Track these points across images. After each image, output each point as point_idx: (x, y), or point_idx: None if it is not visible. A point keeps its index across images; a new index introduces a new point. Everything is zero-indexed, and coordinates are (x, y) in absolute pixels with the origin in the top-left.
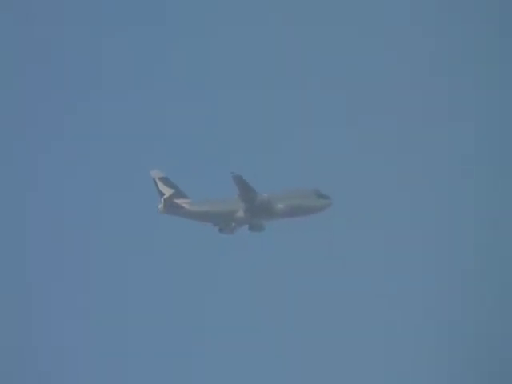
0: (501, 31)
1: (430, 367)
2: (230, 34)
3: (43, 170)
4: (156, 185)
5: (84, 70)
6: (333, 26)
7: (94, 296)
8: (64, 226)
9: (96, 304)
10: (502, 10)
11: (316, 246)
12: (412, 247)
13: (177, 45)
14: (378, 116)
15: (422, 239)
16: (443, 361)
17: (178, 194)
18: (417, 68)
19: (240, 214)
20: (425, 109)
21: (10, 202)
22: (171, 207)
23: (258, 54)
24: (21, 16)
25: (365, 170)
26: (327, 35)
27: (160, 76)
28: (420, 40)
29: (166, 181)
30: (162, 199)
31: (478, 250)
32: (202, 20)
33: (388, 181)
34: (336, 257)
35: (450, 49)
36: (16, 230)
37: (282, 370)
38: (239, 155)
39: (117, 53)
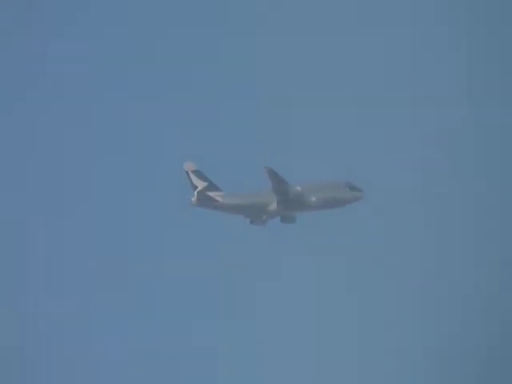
0: (501, 31)
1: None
2: (230, 33)
3: (43, 169)
4: (189, 178)
5: (84, 70)
6: (333, 26)
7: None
8: (64, 225)
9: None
10: (501, 10)
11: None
12: (412, 247)
13: (177, 44)
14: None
15: (421, 239)
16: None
17: (211, 186)
18: (417, 68)
19: (273, 206)
20: (425, 108)
21: (10, 201)
22: (204, 200)
23: (259, 54)
24: (21, 16)
25: (364, 170)
26: (327, 35)
27: (160, 75)
28: (420, 40)
29: (199, 174)
30: (196, 192)
31: (478, 250)
32: (202, 20)
33: (388, 181)
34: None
35: (450, 49)
36: (16, 230)
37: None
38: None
39: (117, 53)
